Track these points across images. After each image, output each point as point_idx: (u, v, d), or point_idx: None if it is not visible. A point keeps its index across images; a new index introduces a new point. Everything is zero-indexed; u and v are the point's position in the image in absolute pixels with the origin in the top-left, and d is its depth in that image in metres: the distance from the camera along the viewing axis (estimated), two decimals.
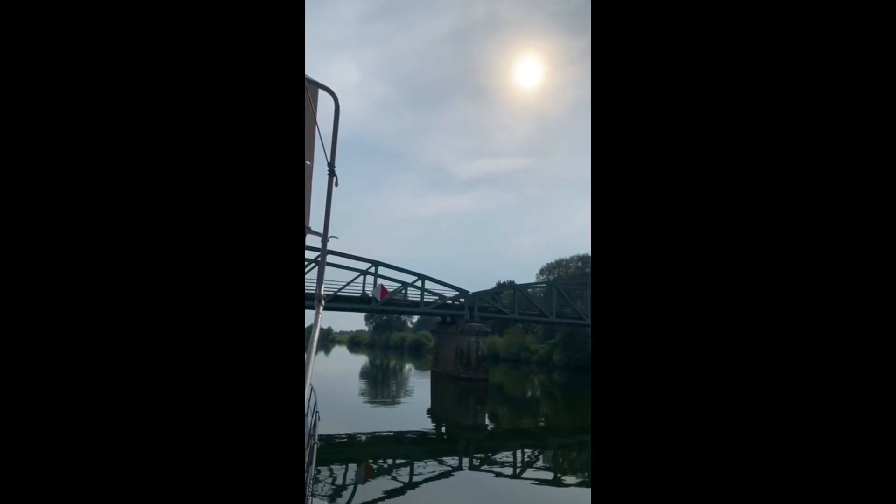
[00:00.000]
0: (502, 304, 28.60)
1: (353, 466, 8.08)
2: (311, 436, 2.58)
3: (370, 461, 8.39)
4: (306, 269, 18.96)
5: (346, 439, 10.29)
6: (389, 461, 8.59)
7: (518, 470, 8.95)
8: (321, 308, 2.47)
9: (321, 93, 2.53)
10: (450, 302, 26.79)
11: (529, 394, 23.12)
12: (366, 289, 25.51)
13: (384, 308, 26.17)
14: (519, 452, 10.25)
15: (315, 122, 2.34)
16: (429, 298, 26.27)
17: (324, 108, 2.49)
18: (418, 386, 23.74)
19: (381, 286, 24.58)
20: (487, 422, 14.73)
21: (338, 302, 24.15)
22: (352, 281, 24.74)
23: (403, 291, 26.08)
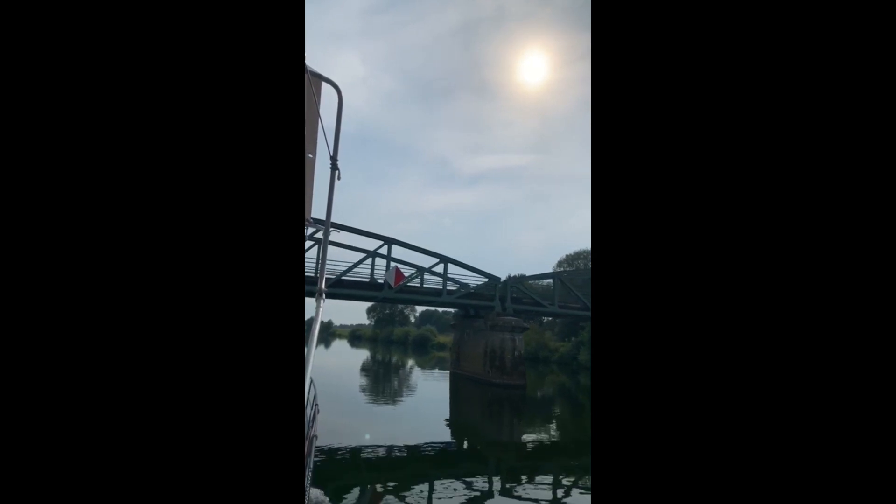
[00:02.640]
0: (535, 294, 24.01)
1: (357, 490, 6.76)
2: (311, 428, 2.53)
3: (377, 486, 6.89)
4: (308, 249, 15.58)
5: (348, 455, 8.43)
6: (402, 483, 7.08)
7: (561, 495, 7.16)
8: (323, 301, 2.28)
9: (325, 86, 2.48)
10: (472, 291, 22.12)
11: (562, 400, 18.73)
12: (375, 273, 21.04)
13: (398, 296, 21.40)
14: (562, 475, 8.20)
15: (318, 115, 2.26)
16: (450, 287, 21.70)
17: (328, 101, 2.53)
18: (430, 388, 19.97)
19: (396, 269, 19.99)
20: (525, 437, 11.98)
21: (342, 288, 19.58)
22: (359, 263, 20.19)
23: (420, 278, 21.52)
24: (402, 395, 17.35)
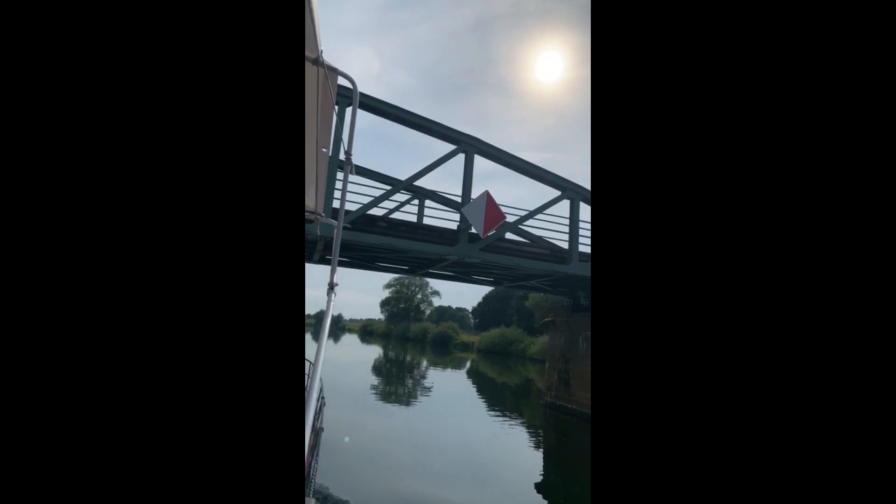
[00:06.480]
0: None
1: None
2: (317, 420, 2.70)
3: None
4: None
5: None
6: None
7: None
8: (333, 295, 2.24)
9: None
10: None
11: None
12: (423, 215, 10.60)
13: (486, 257, 10.07)
14: None
15: (333, 109, 2.21)
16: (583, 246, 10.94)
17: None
18: (454, 390, 16.36)
19: (489, 200, 9.23)
20: None
21: (374, 233, 8.90)
22: (395, 201, 9.62)
23: (506, 228, 10.84)
24: (417, 398, 14.60)
